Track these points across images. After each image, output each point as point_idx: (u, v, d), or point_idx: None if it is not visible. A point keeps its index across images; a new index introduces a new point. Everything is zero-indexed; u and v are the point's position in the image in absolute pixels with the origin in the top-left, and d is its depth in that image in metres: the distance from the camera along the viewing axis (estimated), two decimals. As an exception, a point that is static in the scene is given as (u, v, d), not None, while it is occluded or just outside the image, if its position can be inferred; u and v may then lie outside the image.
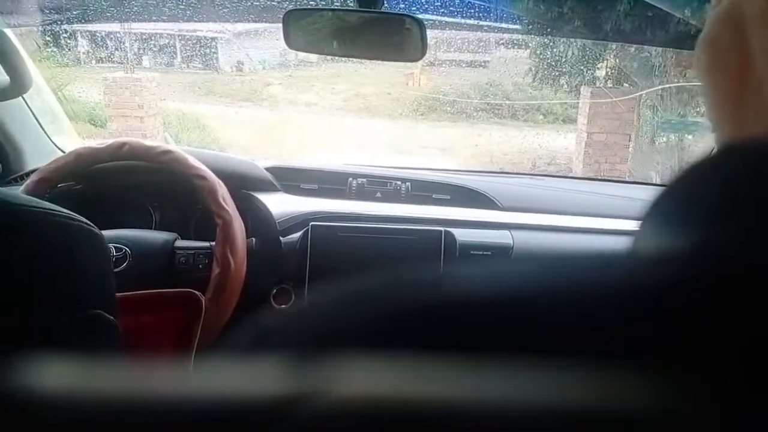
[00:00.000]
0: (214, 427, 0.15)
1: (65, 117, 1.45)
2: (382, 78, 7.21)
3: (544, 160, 5.48)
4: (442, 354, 0.16)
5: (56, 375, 0.17)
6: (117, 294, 0.86)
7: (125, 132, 5.10)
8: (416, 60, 1.00)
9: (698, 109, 4.76)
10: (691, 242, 0.20)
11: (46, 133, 1.36)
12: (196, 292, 0.99)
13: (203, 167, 1.10)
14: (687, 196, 0.24)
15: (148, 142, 1.13)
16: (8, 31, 1.12)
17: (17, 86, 1.13)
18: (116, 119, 5.32)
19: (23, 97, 1.27)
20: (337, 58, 7.60)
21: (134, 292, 0.93)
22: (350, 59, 7.51)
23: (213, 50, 7.54)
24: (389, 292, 0.20)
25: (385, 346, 0.18)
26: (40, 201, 0.48)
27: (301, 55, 8.31)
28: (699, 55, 0.31)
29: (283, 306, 1.20)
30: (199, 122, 6.43)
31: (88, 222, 0.52)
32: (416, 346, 0.17)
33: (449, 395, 0.15)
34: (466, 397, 0.15)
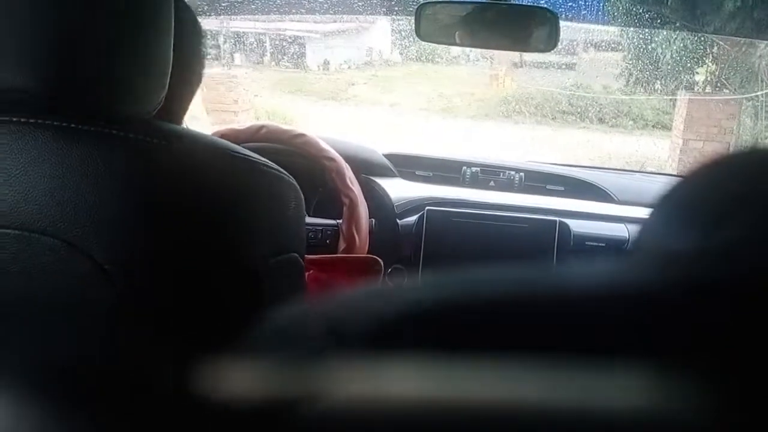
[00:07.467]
0: (215, 428, 0.15)
1: (200, 103, 1.56)
2: (466, 79, 7.20)
3: (634, 167, 5.30)
4: (441, 355, 0.16)
5: None
6: (318, 256, 1.00)
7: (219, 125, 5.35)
8: (547, 51, 1.02)
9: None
10: (695, 243, 0.21)
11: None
12: (378, 258, 1.06)
13: (332, 150, 1.17)
14: (699, 194, 0.24)
15: (284, 126, 1.20)
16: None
17: None
18: (211, 113, 5.59)
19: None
20: (422, 58, 7.64)
21: (330, 255, 1.05)
22: (441, 61, 7.54)
23: (301, 49, 7.78)
24: (390, 294, 0.20)
25: (389, 346, 0.18)
26: (259, 156, 0.55)
27: (385, 54, 8.41)
28: None
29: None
30: (286, 119, 6.65)
31: (292, 178, 0.59)
32: (417, 346, 0.17)
33: (449, 397, 0.15)
34: (468, 399, 0.15)
